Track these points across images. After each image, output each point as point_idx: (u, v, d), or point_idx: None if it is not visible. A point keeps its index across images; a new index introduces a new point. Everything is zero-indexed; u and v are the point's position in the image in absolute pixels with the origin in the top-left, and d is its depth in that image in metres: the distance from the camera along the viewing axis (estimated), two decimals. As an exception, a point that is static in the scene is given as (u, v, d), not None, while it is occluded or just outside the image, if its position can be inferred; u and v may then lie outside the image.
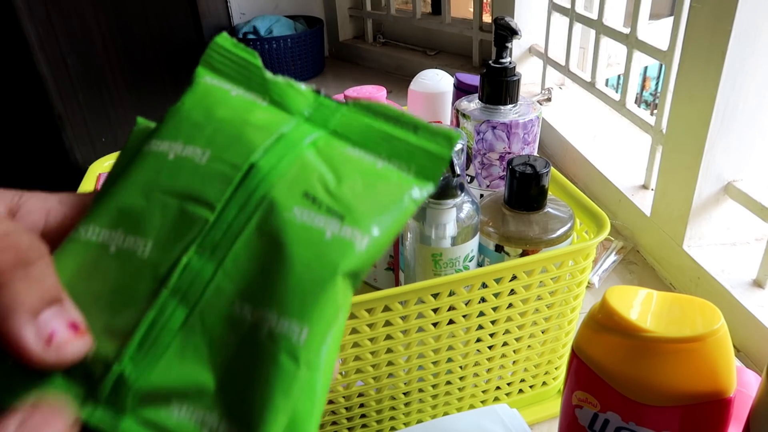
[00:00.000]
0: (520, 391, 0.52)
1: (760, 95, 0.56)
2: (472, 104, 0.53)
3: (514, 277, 0.43)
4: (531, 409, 0.53)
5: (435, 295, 0.42)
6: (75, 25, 0.61)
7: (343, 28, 1.54)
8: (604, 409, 0.36)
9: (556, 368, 0.52)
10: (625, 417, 0.35)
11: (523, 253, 0.46)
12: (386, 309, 0.41)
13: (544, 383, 0.53)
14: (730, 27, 0.52)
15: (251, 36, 1.36)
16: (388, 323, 0.42)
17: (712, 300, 0.35)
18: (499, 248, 0.47)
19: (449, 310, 0.43)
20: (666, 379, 0.32)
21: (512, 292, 0.44)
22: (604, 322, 0.34)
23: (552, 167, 0.48)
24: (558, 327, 0.49)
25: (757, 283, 0.58)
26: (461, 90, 0.61)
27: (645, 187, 0.76)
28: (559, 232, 0.46)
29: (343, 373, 0.44)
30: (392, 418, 0.49)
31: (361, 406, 0.47)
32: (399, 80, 1.33)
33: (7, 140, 0.55)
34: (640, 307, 0.34)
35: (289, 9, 1.52)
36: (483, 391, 0.51)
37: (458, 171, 0.43)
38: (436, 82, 0.62)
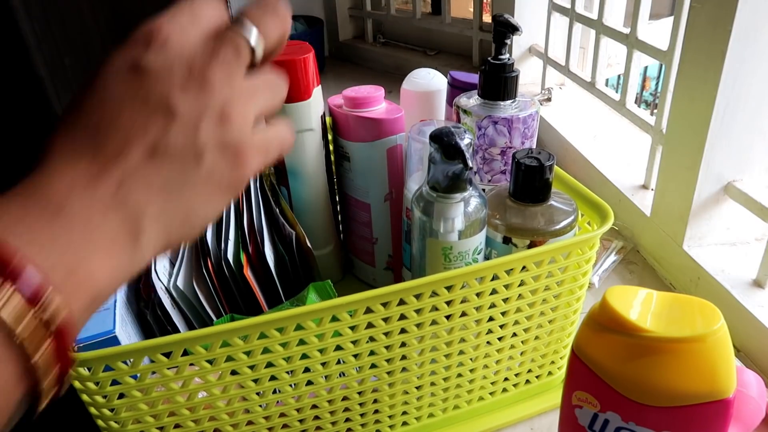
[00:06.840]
0: (527, 381, 0.53)
1: (760, 95, 0.56)
2: (471, 100, 0.53)
3: (523, 268, 0.44)
4: (537, 399, 0.54)
5: (448, 288, 0.42)
6: (73, 25, 0.61)
7: (343, 28, 1.54)
8: (604, 409, 0.35)
9: (561, 358, 0.53)
10: (625, 417, 0.35)
11: (531, 244, 0.46)
12: (401, 303, 0.42)
13: (549, 373, 0.54)
14: (730, 27, 0.52)
15: (251, 36, 1.36)
16: (403, 317, 0.42)
17: (712, 300, 0.35)
18: (507, 240, 0.47)
19: (461, 302, 0.43)
20: (666, 379, 0.32)
21: (521, 283, 0.45)
22: (604, 322, 0.34)
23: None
24: (564, 317, 0.49)
25: (757, 283, 0.58)
26: (456, 87, 0.61)
27: (645, 187, 0.76)
28: (564, 223, 0.47)
29: (357, 369, 0.44)
30: (404, 413, 0.50)
31: (375, 401, 0.47)
32: (399, 80, 1.32)
33: (6, 141, 0.55)
34: (640, 307, 0.34)
35: (288, 9, 1.52)
36: (492, 383, 0.51)
37: (470, 164, 0.42)
38: (428, 81, 0.62)
